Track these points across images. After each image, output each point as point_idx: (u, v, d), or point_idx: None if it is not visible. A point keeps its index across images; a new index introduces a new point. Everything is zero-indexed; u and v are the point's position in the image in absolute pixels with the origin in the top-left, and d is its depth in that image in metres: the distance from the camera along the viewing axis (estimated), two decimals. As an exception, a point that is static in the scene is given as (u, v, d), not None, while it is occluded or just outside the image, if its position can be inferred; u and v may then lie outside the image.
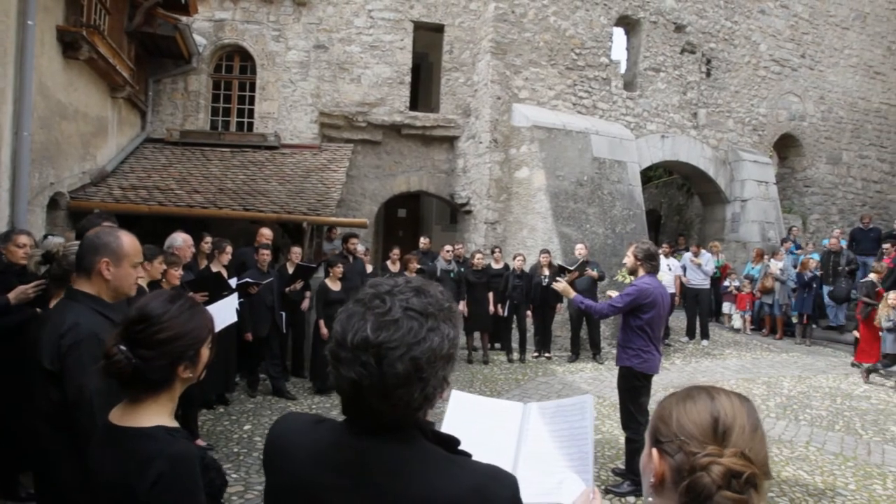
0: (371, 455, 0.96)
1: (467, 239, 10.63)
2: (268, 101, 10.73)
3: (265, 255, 6.44)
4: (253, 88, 10.83)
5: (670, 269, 9.37)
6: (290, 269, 7.00)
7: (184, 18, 9.55)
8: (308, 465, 0.99)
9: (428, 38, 11.72)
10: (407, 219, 14.95)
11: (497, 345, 9.05)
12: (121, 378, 1.31)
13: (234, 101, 10.95)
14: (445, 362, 0.96)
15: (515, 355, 8.66)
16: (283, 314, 6.69)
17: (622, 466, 4.53)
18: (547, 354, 8.76)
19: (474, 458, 1.60)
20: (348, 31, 10.74)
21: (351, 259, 7.52)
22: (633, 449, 4.27)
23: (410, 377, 0.92)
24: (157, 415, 1.34)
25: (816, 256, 11.72)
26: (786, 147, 14.44)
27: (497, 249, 9.07)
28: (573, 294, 4.50)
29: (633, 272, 4.33)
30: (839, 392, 7.68)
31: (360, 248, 8.11)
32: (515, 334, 8.74)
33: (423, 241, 8.97)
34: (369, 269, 8.35)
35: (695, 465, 0.84)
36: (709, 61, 12.44)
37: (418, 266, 7.44)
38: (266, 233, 6.72)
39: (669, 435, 0.90)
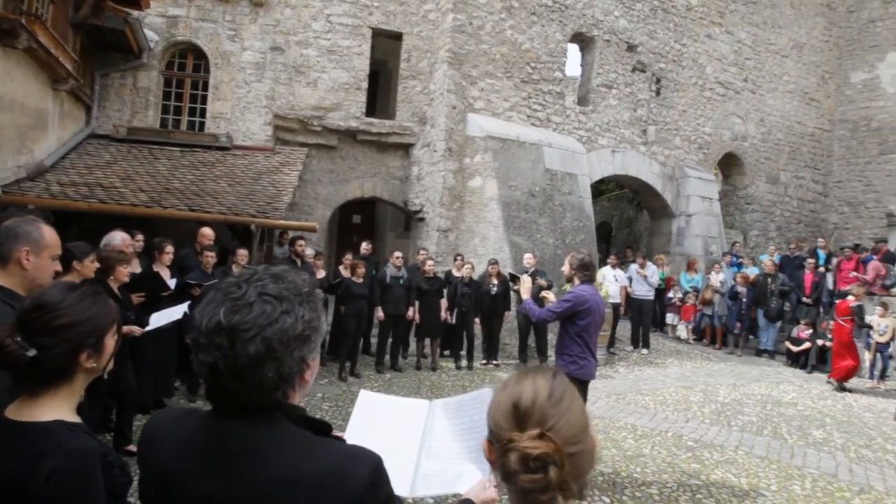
0: (229, 438, 0.97)
1: (420, 246, 10.66)
2: (221, 101, 10.55)
3: (209, 257, 6.32)
4: (206, 88, 10.63)
5: (616, 280, 9.65)
6: (236, 272, 6.88)
7: (134, 13, 9.33)
8: (172, 455, 1.00)
9: (387, 45, 11.78)
10: (361, 225, 14.89)
11: (447, 352, 9.11)
12: (16, 370, 1.26)
13: (185, 100, 10.72)
14: (301, 343, 0.99)
15: (464, 363, 8.72)
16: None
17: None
18: (495, 362, 8.86)
19: (379, 453, 1.64)
20: (306, 35, 10.69)
21: (299, 263, 7.44)
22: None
23: (262, 357, 0.94)
24: (57, 408, 1.28)
25: (756, 270, 12.29)
26: (729, 165, 15.11)
27: (459, 257, 9.09)
28: (527, 295, 4.57)
29: (569, 280, 4.46)
30: (770, 399, 8.05)
31: (310, 251, 8.05)
32: (465, 342, 8.81)
33: (365, 247, 8.97)
34: (321, 274, 8.29)
35: (503, 451, 0.89)
36: (658, 80, 12.92)
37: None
38: (207, 233, 6.58)
39: (490, 425, 0.94)
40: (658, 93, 12.93)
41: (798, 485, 5.04)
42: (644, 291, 10.36)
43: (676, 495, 4.57)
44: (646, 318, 10.43)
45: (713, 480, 4.96)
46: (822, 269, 11.52)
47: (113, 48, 9.79)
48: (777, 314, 10.54)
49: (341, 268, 8.37)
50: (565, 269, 4.46)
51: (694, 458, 5.46)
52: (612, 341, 9.83)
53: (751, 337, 11.74)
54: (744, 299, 10.75)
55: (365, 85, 10.94)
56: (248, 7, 10.48)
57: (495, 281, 8.60)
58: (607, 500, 4.38)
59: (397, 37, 11.16)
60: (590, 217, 10.86)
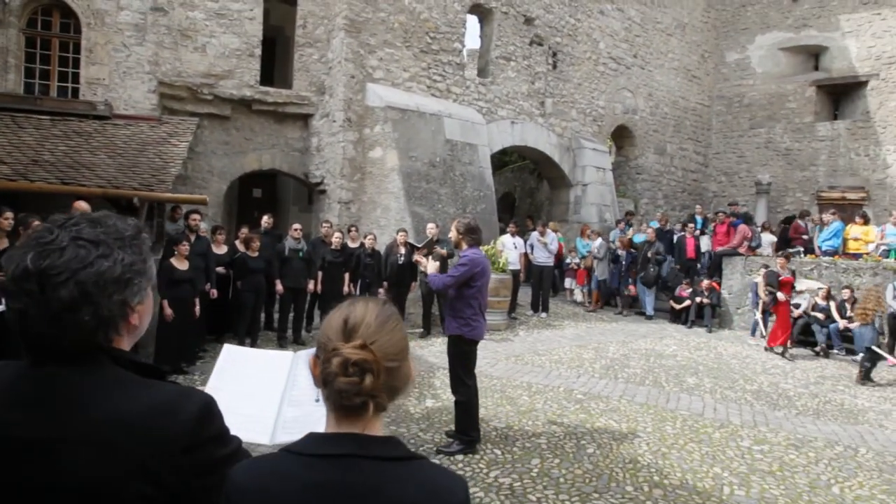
0: (50, 383, 0.96)
1: (322, 219, 10.49)
2: (96, 65, 9.68)
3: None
4: (78, 50, 9.71)
5: (516, 248, 10.00)
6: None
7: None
8: None
9: (283, 10, 11.29)
10: (263, 199, 14.36)
11: (352, 324, 9.09)
12: None
13: (53, 63, 9.74)
14: (122, 287, 0.99)
15: (369, 333, 8.74)
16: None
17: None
18: (400, 331, 8.96)
19: (242, 404, 1.65)
20: (190, -5, 10.00)
21: (193, 238, 7.10)
22: (462, 411, 4.57)
23: (77, 301, 0.93)
24: None
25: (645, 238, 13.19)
26: (621, 137, 15.99)
27: (353, 228, 9.09)
28: (432, 270, 4.67)
29: (457, 246, 4.60)
30: (653, 353, 8.77)
31: (204, 226, 7.69)
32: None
33: (266, 220, 8.73)
34: (223, 249, 7.96)
35: (326, 359, 0.97)
36: (555, 54, 13.34)
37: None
38: (82, 206, 6.09)
39: (320, 339, 1.02)
40: (555, 66, 13.36)
41: (670, 425, 5.58)
42: (544, 258, 10.84)
43: (563, 443, 4.91)
44: (546, 283, 10.94)
45: (597, 427, 5.38)
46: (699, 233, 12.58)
47: (-40, 2, 8.69)
48: (653, 280, 11.38)
49: (237, 242, 8.09)
50: (452, 234, 4.59)
51: (582, 409, 5.88)
52: (512, 307, 10.24)
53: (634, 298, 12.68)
54: (623, 262, 11.56)
55: (258, 52, 10.45)
56: (123, -38, 9.63)
57: (402, 251, 8.65)
58: (498, 452, 4.63)
59: (292, 2, 10.71)
60: (490, 187, 11.15)
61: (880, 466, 4.94)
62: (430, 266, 4.64)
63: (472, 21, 12.35)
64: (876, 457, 5.16)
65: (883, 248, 11.32)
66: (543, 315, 10.82)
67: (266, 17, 11.54)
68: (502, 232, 10.93)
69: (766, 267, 10.43)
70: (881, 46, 15.38)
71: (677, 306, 11.51)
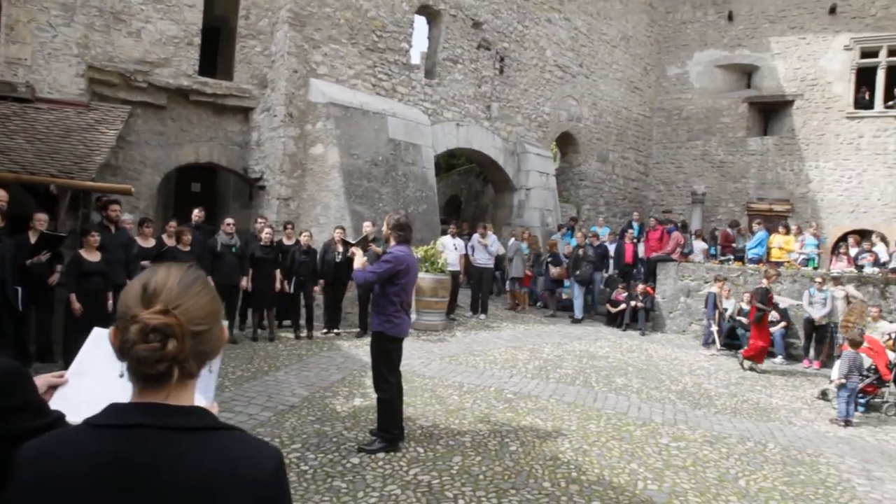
0: None
1: (261, 215, 10.24)
2: (18, 44, 9.11)
3: (-8, 220, 5.53)
4: (-3, 27, 9.12)
5: (456, 249, 10.03)
6: (33, 239, 6.12)
7: None
8: None
9: (228, 1, 10.96)
10: (202, 194, 13.92)
11: (287, 322, 8.93)
12: None
13: (-30, 41, 9.11)
14: None
15: (304, 332, 8.61)
16: (19, 289, 5.82)
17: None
18: (336, 331, 8.85)
19: (102, 387, 1.58)
20: (126, -23, 9.58)
21: (113, 229, 6.79)
22: (384, 408, 4.54)
23: None
24: None
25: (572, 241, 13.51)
26: (566, 144, 16.34)
27: (290, 225, 8.93)
28: (355, 263, 4.62)
29: (386, 240, 4.58)
30: (587, 354, 8.98)
31: (128, 217, 7.38)
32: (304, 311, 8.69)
33: (197, 214, 8.46)
34: (150, 242, 7.63)
35: (123, 326, 0.94)
36: (502, 59, 13.51)
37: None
38: (-3, 193, 5.76)
39: (119, 309, 0.99)
40: (502, 71, 13.53)
41: (594, 423, 5.71)
42: (485, 260, 10.93)
43: (487, 441, 4.95)
44: (486, 285, 11.03)
45: (522, 426, 5.45)
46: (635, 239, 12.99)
47: None
48: (588, 279, 11.64)
49: (164, 236, 7.79)
50: (383, 229, 4.57)
51: (510, 409, 5.95)
52: (451, 308, 10.28)
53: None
54: (546, 264, 11.87)
55: (198, 40, 10.10)
56: (52, -62, 9.13)
57: (340, 248, 8.53)
58: (421, 450, 4.62)
59: (235, -10, 10.43)
60: (433, 188, 11.16)
61: (784, 460, 5.21)
62: (357, 261, 4.60)
63: (421, 22, 12.37)
64: (782, 451, 5.44)
65: (802, 256, 12.01)
66: (482, 317, 10.90)
67: (210, 6, 11.18)
68: (444, 233, 10.95)
69: (720, 279, 10.59)
70: (805, 69, 16.35)
71: (613, 310, 11.83)
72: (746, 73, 17.45)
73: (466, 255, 10.67)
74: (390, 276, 4.42)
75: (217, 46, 12.56)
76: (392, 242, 4.51)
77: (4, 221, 5.78)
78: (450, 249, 9.94)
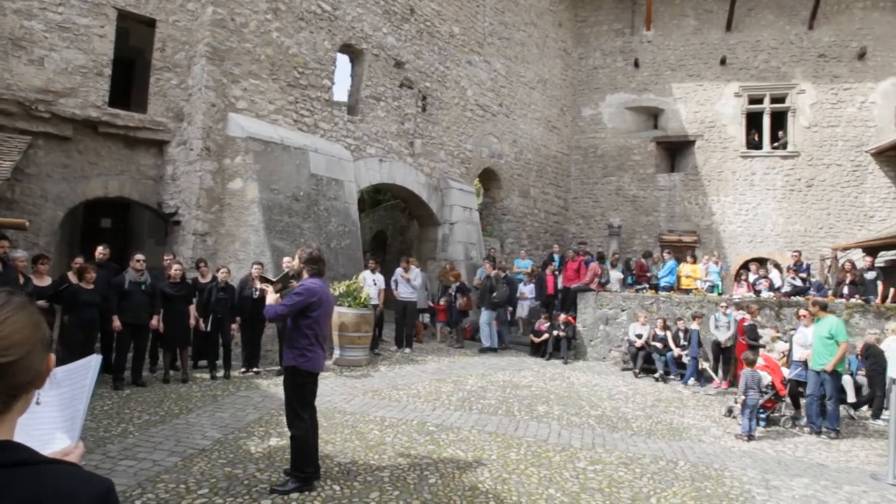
0: None
1: (176, 252, 9.82)
2: None
3: None
4: None
5: (375, 284, 9.96)
6: None
7: None
8: None
9: (145, 32, 10.68)
10: (113, 230, 13.20)
11: (202, 362, 8.51)
12: None
13: None
14: None
15: (220, 372, 8.23)
16: None
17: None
18: (255, 369, 8.52)
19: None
20: (28, 3, 9.14)
21: (0, 267, 6.30)
22: (297, 446, 4.40)
23: None
24: None
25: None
26: (488, 180, 16.83)
27: (202, 263, 8.61)
28: (267, 298, 4.50)
29: (298, 275, 4.51)
30: (510, 384, 9.09)
31: (20, 254, 6.87)
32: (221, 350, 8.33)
33: (101, 251, 8.04)
34: (46, 281, 7.14)
35: None
36: (424, 98, 13.86)
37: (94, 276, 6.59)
38: None
39: None
40: (424, 109, 13.86)
41: (514, 452, 5.77)
42: (408, 293, 10.94)
43: (406, 475, 4.88)
44: (409, 319, 11.01)
45: (443, 458, 5.42)
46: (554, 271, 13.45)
47: None
48: (504, 300, 11.88)
49: (70, 273, 7.32)
50: (294, 263, 4.51)
51: (431, 441, 5.90)
52: (374, 343, 10.16)
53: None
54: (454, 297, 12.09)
55: (108, 71, 9.74)
56: (-56, -39, 8.64)
57: (258, 284, 8.29)
58: (337, 488, 4.49)
59: (150, 23, 10.19)
60: (355, 222, 11.13)
61: (693, 476, 5.45)
62: (270, 297, 4.50)
63: (344, 60, 12.53)
64: (691, 468, 5.70)
65: (708, 283, 12.84)
66: (407, 350, 10.84)
67: (125, 37, 10.86)
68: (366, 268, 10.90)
69: (697, 317, 10.85)
70: (703, 112, 17.84)
71: (536, 340, 12.10)
72: (653, 115, 18.78)
73: (388, 289, 10.63)
74: (302, 308, 4.35)
75: (132, 79, 12.16)
76: (305, 276, 4.45)
77: None
78: (369, 284, 9.89)
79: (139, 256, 7.66)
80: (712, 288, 12.85)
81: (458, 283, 11.92)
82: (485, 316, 11.75)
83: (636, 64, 18.50)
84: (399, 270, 11.12)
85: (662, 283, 13.17)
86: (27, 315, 0.97)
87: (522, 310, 13.49)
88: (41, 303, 6.82)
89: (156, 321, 7.63)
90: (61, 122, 9.51)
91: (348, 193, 10.97)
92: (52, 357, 1.01)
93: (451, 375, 9.36)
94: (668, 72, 18.18)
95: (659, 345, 10.91)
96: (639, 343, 11.01)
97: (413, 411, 7.04)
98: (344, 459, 5.17)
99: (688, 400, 9.14)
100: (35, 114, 9.24)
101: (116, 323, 7.27)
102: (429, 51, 13.93)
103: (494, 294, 11.51)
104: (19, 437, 1.50)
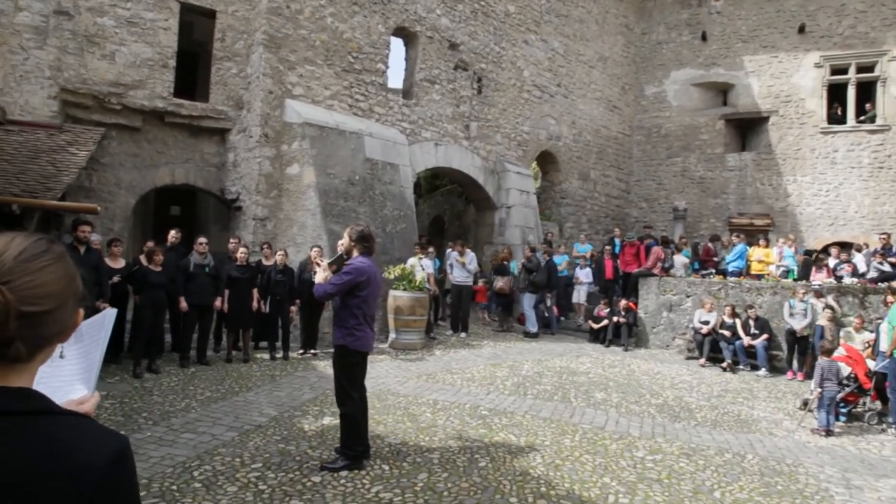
0: None
1: (239, 237, 10.13)
2: (-11, 68, 9.08)
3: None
4: (-31, 52, 9.09)
5: (423, 269, 9.87)
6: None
7: None
8: None
9: (208, 25, 11.02)
10: (182, 217, 13.80)
11: (263, 344, 8.77)
12: None
13: (-59, 65, 9.06)
14: None
15: (279, 353, 8.45)
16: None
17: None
18: (313, 351, 8.70)
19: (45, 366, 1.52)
20: (100, 1, 9.60)
21: (82, 250, 6.67)
22: (347, 425, 4.41)
23: None
24: None
25: (565, 258, 13.52)
26: (546, 163, 16.44)
27: (266, 246, 8.84)
28: (316, 277, 4.53)
29: (349, 253, 4.50)
30: (567, 370, 8.87)
31: (96, 237, 7.25)
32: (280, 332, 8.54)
33: (173, 235, 8.36)
34: (120, 263, 7.54)
35: None
36: (480, 79, 13.64)
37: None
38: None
39: None
40: (480, 91, 13.64)
41: (569, 438, 5.59)
42: (463, 277, 10.85)
43: (456, 458, 4.81)
44: (464, 303, 10.92)
45: (495, 441, 5.32)
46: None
47: None
48: (537, 286, 11.53)
49: (141, 256, 7.69)
50: (344, 241, 4.50)
51: (483, 425, 5.81)
52: (430, 327, 10.15)
53: (561, 318, 12.91)
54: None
55: (173, 63, 10.11)
56: (25, -37, 9.16)
57: (317, 268, 8.41)
58: (386, 468, 4.48)
59: (210, 14, 10.48)
60: (411, 206, 11.12)
61: (762, 471, 5.10)
62: (318, 276, 4.51)
63: (398, 43, 12.48)
64: (760, 462, 5.34)
65: (782, 268, 12.04)
66: (463, 335, 10.78)
67: (189, 30, 11.23)
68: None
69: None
70: (779, 86, 16.65)
71: (596, 326, 11.76)
72: (722, 91, 17.74)
73: (445, 273, 10.58)
74: (351, 287, 4.33)
75: (196, 70, 12.60)
76: (355, 253, 4.43)
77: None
78: (418, 270, 9.84)
79: (202, 239, 7.94)
80: (787, 273, 12.05)
81: (495, 266, 11.70)
82: (525, 300, 11.53)
83: (703, 37, 17.49)
84: (454, 254, 11.04)
85: (731, 268, 12.46)
86: (64, 266, 0.93)
87: (579, 295, 13.06)
88: (116, 278, 7.20)
89: (219, 302, 7.89)
90: (131, 114, 9.97)
91: (403, 177, 10.96)
92: (81, 312, 0.98)
93: (506, 360, 9.24)
94: (739, 44, 17.08)
95: (727, 333, 10.33)
96: (705, 330, 10.48)
97: (466, 395, 6.97)
98: (394, 440, 5.16)
99: (758, 391, 8.61)
100: (108, 106, 9.72)
101: (183, 304, 7.58)
102: (484, 31, 13.67)
103: (533, 275, 11.20)
104: (42, 388, 1.53)
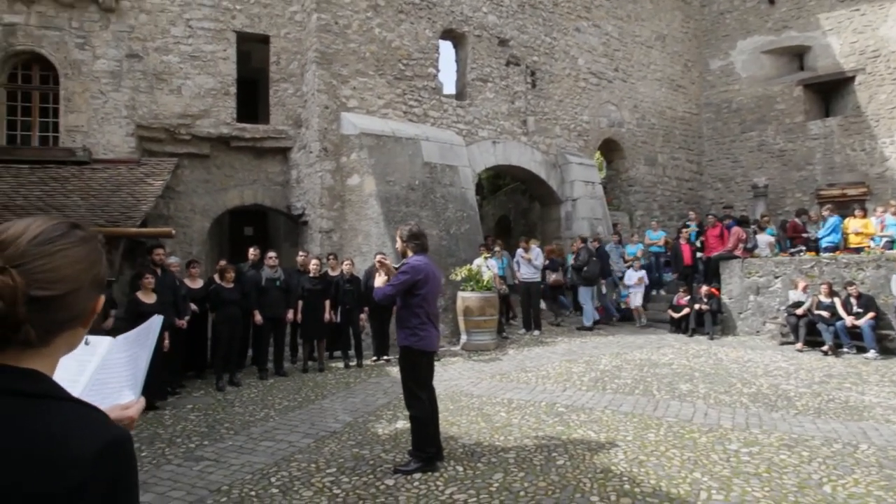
0: None
1: (307, 250, 10.40)
2: (75, 113, 9.85)
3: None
4: (57, 100, 9.90)
5: (489, 269, 9.67)
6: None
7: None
8: None
9: (264, 52, 11.48)
10: (254, 237, 14.37)
11: (337, 353, 8.91)
12: None
13: (34, 114, 9.93)
14: None
15: (353, 361, 8.55)
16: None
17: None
18: (386, 357, 8.74)
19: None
20: (165, 41, 10.20)
21: (159, 272, 7.03)
22: (416, 426, 4.33)
23: None
24: None
25: (640, 247, 12.94)
26: (610, 151, 15.87)
27: (332, 256, 9.00)
28: (376, 281, 4.52)
29: (403, 254, 4.44)
30: (648, 362, 8.43)
31: (174, 260, 7.63)
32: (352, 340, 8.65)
33: (252, 252, 8.66)
34: (198, 283, 7.91)
35: None
36: (533, 73, 13.37)
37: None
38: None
39: None
40: (534, 85, 13.37)
41: (653, 433, 5.26)
42: (530, 274, 10.60)
43: (532, 456, 4.63)
44: (534, 300, 10.66)
45: (573, 439, 5.08)
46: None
47: (-61, 62, 8.93)
48: (589, 278, 11.10)
49: (215, 275, 8.03)
50: (397, 244, 4.45)
51: (560, 422, 5.58)
52: (501, 327, 9.97)
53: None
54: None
55: (233, 90, 10.57)
56: (98, 13, 9.88)
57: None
58: (460, 469, 4.36)
59: (264, 40, 10.89)
60: (473, 207, 11.02)
61: (881, 462, 4.57)
62: (378, 280, 4.48)
63: (447, 46, 12.46)
64: (877, 452, 4.79)
65: (885, 239, 10.96)
66: (536, 333, 10.51)
67: (247, 59, 11.73)
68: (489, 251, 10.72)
69: None
70: (864, 41, 15.24)
71: (676, 315, 11.17)
72: (797, 55, 16.47)
73: (512, 271, 10.38)
74: (409, 287, 4.27)
75: (257, 97, 13.13)
76: (409, 253, 4.37)
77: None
78: (484, 270, 9.68)
79: (272, 254, 8.19)
80: (892, 244, 10.94)
81: (548, 260, 11.33)
82: (581, 293, 11.09)
83: (771, 0, 16.34)
84: (519, 251, 10.82)
85: (824, 243, 11.48)
86: (85, 251, 0.91)
87: (635, 298, 11.85)
88: (193, 307, 7.53)
89: (290, 314, 8.09)
90: (200, 142, 10.49)
91: (463, 178, 10.89)
92: (102, 299, 0.95)
93: (582, 356, 8.91)
94: (812, 2, 15.80)
95: (825, 313, 9.49)
96: (800, 311, 9.68)
97: (542, 393, 6.75)
98: (468, 441, 5.04)
99: (868, 375, 7.82)
100: (179, 137, 10.28)
101: (258, 317, 7.83)
102: (533, 24, 13.40)
103: (585, 269, 10.77)
104: (92, 396, 1.53)
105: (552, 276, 11.35)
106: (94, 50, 9.88)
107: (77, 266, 0.88)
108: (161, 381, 6.67)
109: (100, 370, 1.58)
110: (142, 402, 1.30)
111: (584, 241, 11.51)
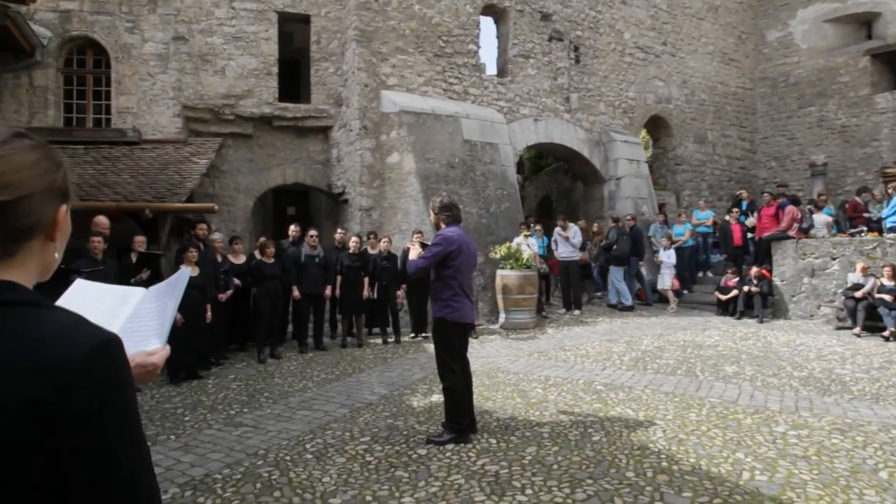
0: None
1: (347, 228, 10.50)
2: (125, 95, 10.18)
3: (96, 243, 6.06)
4: (109, 83, 10.26)
5: (529, 248, 9.52)
6: (134, 258, 6.66)
7: (21, 8, 8.90)
8: None
9: (306, 33, 11.56)
10: (297, 216, 14.63)
11: (376, 329, 9.01)
12: None
13: (88, 97, 10.32)
14: None
15: (392, 337, 8.63)
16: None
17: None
18: (424, 334, 8.77)
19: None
20: (209, 22, 10.39)
21: (201, 246, 7.24)
22: (449, 398, 4.32)
23: None
24: None
25: (688, 227, 12.51)
26: (657, 128, 15.34)
27: (372, 235, 9.05)
28: (410, 254, 4.52)
29: (437, 227, 4.40)
30: (691, 344, 8.18)
31: (218, 236, 7.82)
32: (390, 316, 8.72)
33: (293, 230, 8.80)
34: (241, 259, 8.10)
35: None
36: (576, 48, 13.00)
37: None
38: (98, 221, 6.35)
39: None
40: (578, 60, 13.01)
41: (695, 413, 5.09)
42: (568, 252, 10.39)
43: (567, 432, 4.55)
44: (574, 279, 10.47)
45: (610, 416, 4.98)
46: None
47: (1, 48, 9.33)
48: (626, 255, 10.83)
49: (256, 252, 8.20)
50: (430, 217, 4.40)
51: (598, 400, 5.48)
52: (540, 306, 9.84)
53: (685, 292, 12.00)
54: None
55: (275, 70, 10.69)
56: (146, -3, 10.13)
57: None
58: (493, 441, 4.33)
59: (305, 20, 10.94)
60: (514, 185, 10.86)
61: (942, 449, 4.29)
62: (412, 253, 4.46)
63: (487, 22, 12.23)
64: (939, 439, 4.50)
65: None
66: (576, 312, 10.34)
67: (290, 40, 11.84)
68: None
69: None
70: (939, 6, 14.14)
71: (723, 297, 10.77)
72: (864, 23, 15.42)
73: (550, 250, 10.21)
74: (443, 258, 4.23)
75: (299, 76, 13.26)
76: (443, 226, 4.32)
77: (107, 245, 6.31)
78: (524, 249, 9.55)
79: (312, 232, 8.30)
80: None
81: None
82: (612, 273, 10.79)
83: (836, -34, 15.32)
84: (557, 230, 10.63)
85: (888, 223, 10.78)
86: (34, 157, 0.89)
87: (663, 281, 11.46)
88: (236, 281, 7.72)
89: (329, 290, 8.20)
90: (243, 122, 10.69)
91: (504, 156, 10.74)
92: (63, 209, 0.92)
93: (623, 336, 8.72)
94: (883, -34, 14.74)
95: (888, 297, 8.95)
96: (859, 294, 9.17)
97: (580, 371, 6.64)
98: (503, 415, 5.00)
99: (932, 360, 7.35)
100: (223, 117, 10.50)
101: (296, 292, 7.97)
102: (577, -3, 12.99)
103: (614, 248, 10.45)
104: (123, 340, 1.56)
105: (579, 255, 11.14)
106: (143, 33, 10.16)
107: (26, 172, 0.86)
108: (206, 353, 6.88)
109: (131, 319, 1.62)
110: (166, 349, 1.31)
111: (615, 220, 11.20)
